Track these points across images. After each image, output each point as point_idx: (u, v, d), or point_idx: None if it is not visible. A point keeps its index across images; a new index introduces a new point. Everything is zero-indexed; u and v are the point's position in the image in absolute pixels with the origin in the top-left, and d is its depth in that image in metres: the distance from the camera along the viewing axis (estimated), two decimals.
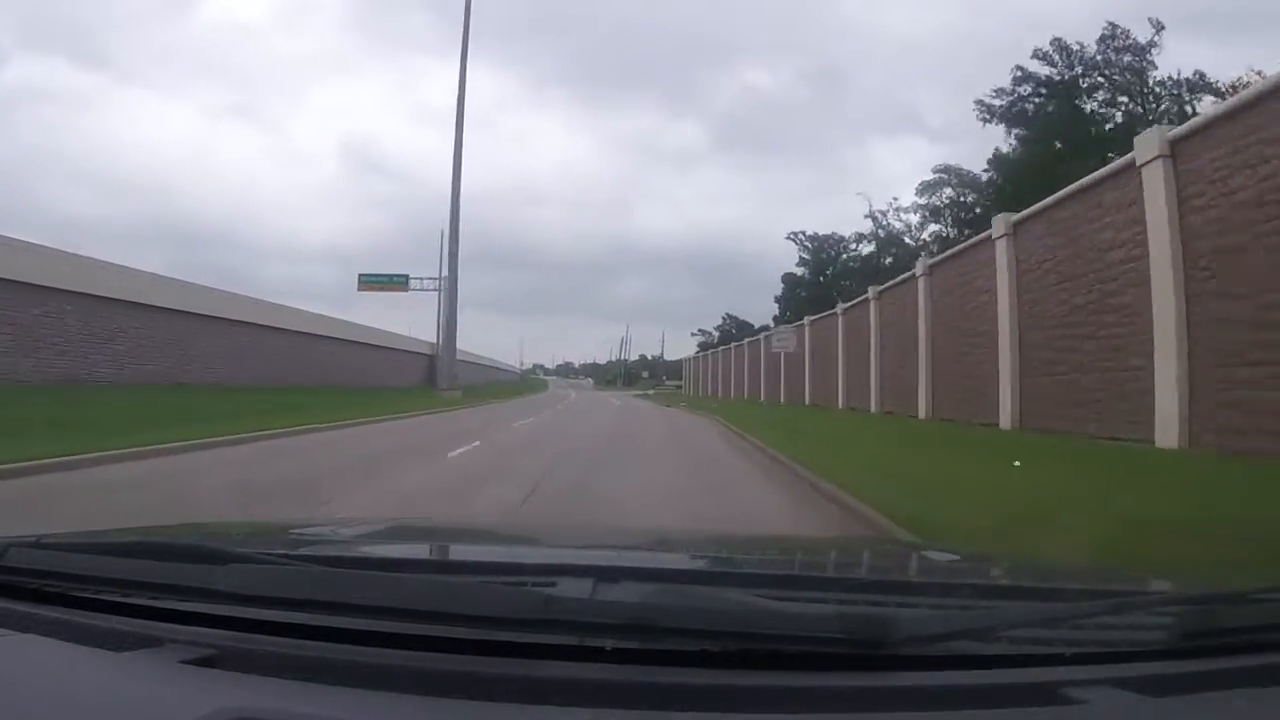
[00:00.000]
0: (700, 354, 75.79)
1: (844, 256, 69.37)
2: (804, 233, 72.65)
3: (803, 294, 67.98)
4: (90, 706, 0.81)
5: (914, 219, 57.89)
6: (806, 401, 32.15)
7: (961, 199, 52.95)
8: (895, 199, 66.24)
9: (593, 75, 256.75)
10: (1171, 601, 1.04)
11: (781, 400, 36.29)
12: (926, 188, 55.77)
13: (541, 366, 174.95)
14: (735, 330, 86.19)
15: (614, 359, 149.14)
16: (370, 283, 50.24)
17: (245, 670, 0.85)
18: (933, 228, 55.25)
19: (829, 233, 71.30)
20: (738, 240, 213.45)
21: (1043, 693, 0.83)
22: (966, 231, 43.57)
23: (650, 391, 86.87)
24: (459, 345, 67.75)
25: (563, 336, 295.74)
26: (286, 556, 1.12)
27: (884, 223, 61.81)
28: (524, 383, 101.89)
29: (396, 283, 49.92)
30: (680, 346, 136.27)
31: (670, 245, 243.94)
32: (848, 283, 63.11)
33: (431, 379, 53.35)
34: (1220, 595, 1.11)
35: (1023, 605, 1.15)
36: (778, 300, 74.58)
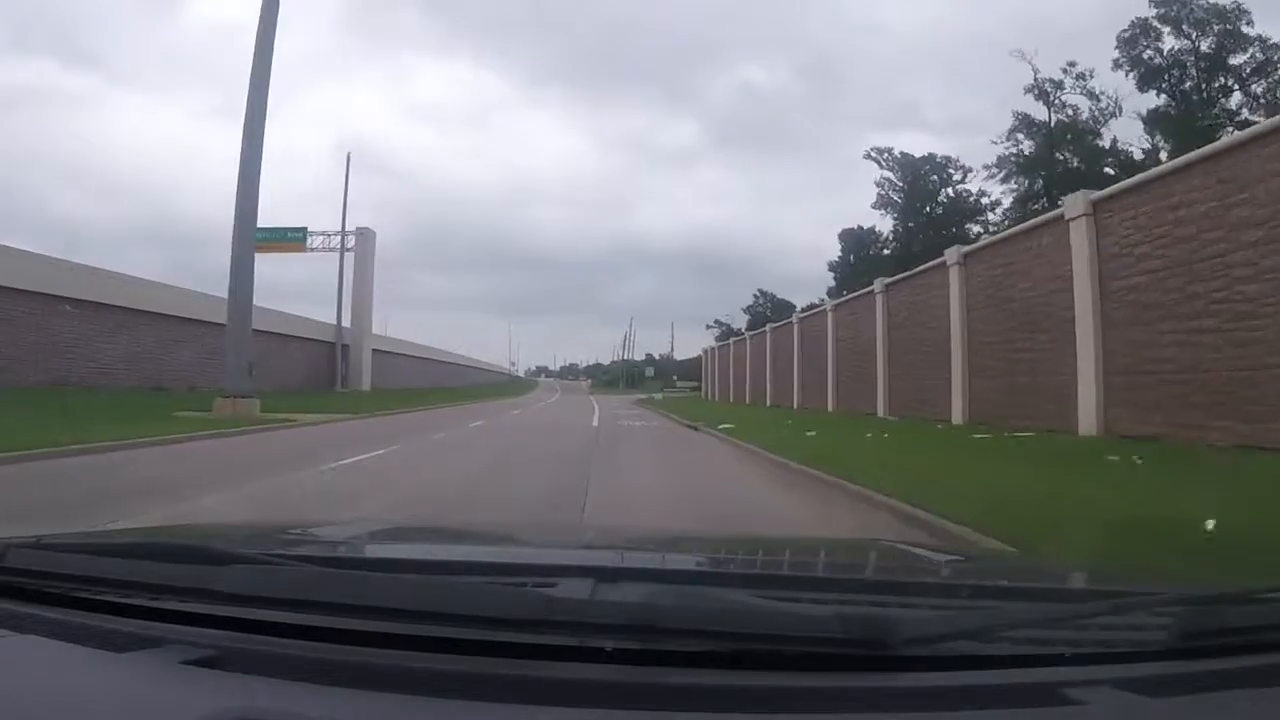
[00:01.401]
0: (727, 343, 53.39)
1: (944, 193, 49.61)
2: (890, 151, 50.52)
3: (877, 250, 50.27)
4: (90, 707, 0.81)
5: (1120, 82, 35.75)
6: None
7: (1200, 45, 31.61)
8: (1072, 64, 38.38)
9: (591, 73, 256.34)
10: (1171, 601, 1.04)
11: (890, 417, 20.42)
12: (1137, 34, 33.76)
13: (545, 368, 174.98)
14: (771, 311, 65.86)
15: (618, 359, 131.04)
16: (257, 242, 36.97)
17: (245, 670, 0.85)
18: (1145, 102, 34.57)
19: (925, 154, 50.56)
20: (743, 240, 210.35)
21: (1043, 693, 0.83)
22: (1205, 113, 28.14)
23: (658, 395, 62.73)
24: (396, 335, 54.05)
25: (567, 338, 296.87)
26: (286, 556, 1.12)
27: (1056, 100, 38.56)
28: (502, 386, 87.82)
29: (291, 240, 37.40)
30: (688, 346, 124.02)
31: (674, 245, 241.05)
32: (949, 231, 41.75)
33: (331, 375, 40.98)
34: (1220, 595, 1.11)
35: (1023, 605, 1.16)
36: (833, 268, 56.18)
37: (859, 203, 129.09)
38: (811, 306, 37.03)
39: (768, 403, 36.04)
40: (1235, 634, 0.94)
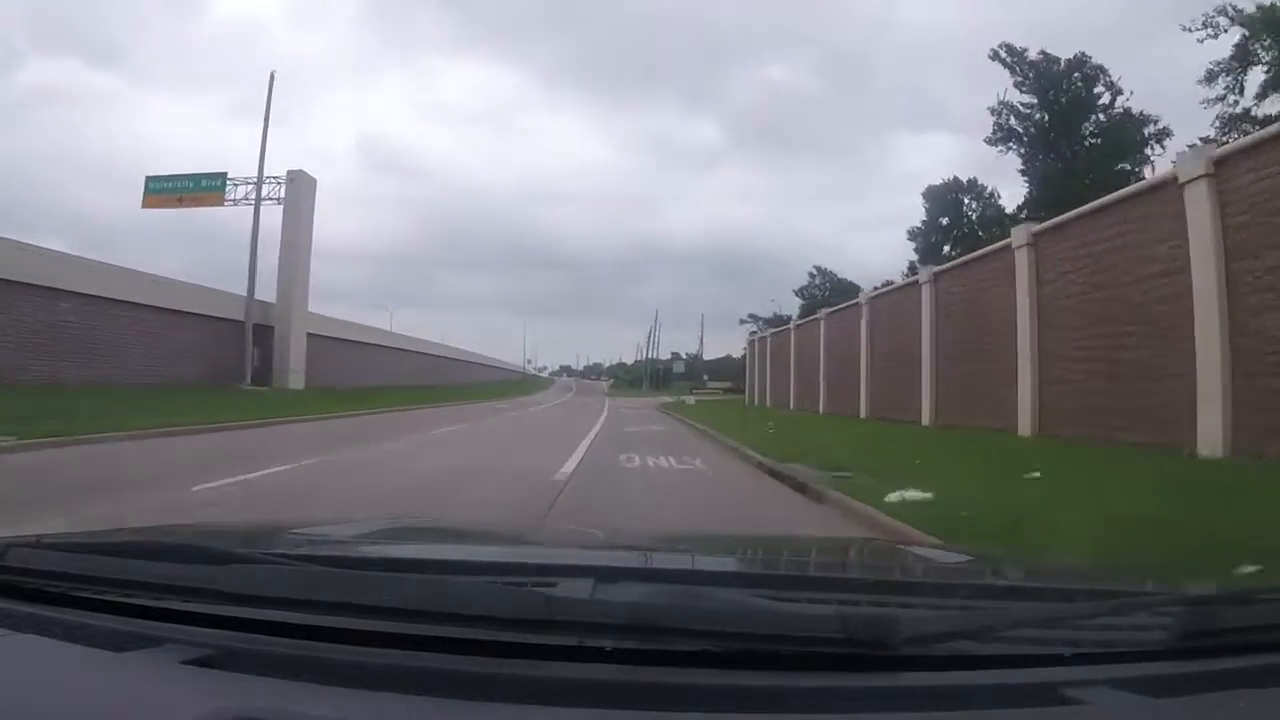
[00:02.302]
0: (784, 329, 37.16)
1: (1095, 119, 35.24)
2: (1023, 54, 35.72)
3: (982, 205, 40.13)
4: (90, 706, 0.81)
5: None
6: None
7: None
8: None
9: (615, 74, 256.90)
10: (1171, 601, 1.04)
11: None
12: None
13: (568, 367, 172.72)
14: (830, 292, 53.37)
15: (642, 358, 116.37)
16: (162, 193, 30.72)
17: (245, 670, 0.85)
18: None
19: (1073, 54, 34.93)
20: (767, 243, 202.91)
21: (1043, 693, 0.83)
22: None
23: (689, 399, 47.06)
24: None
25: (591, 339, 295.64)
26: (286, 556, 1.12)
27: None
28: (508, 385, 75.83)
29: (207, 190, 29.86)
30: (713, 348, 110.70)
31: (698, 247, 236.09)
32: (1123, 164, 32.80)
33: (239, 363, 29.85)
34: (1220, 595, 1.11)
35: (1023, 605, 1.16)
36: (914, 235, 44.30)
37: (889, 203, 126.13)
38: (887, 284, 25.45)
39: (861, 412, 22.78)
40: (1235, 634, 0.94)
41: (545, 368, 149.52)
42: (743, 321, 76.89)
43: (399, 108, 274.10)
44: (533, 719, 0.78)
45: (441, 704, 0.80)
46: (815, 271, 66.05)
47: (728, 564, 1.72)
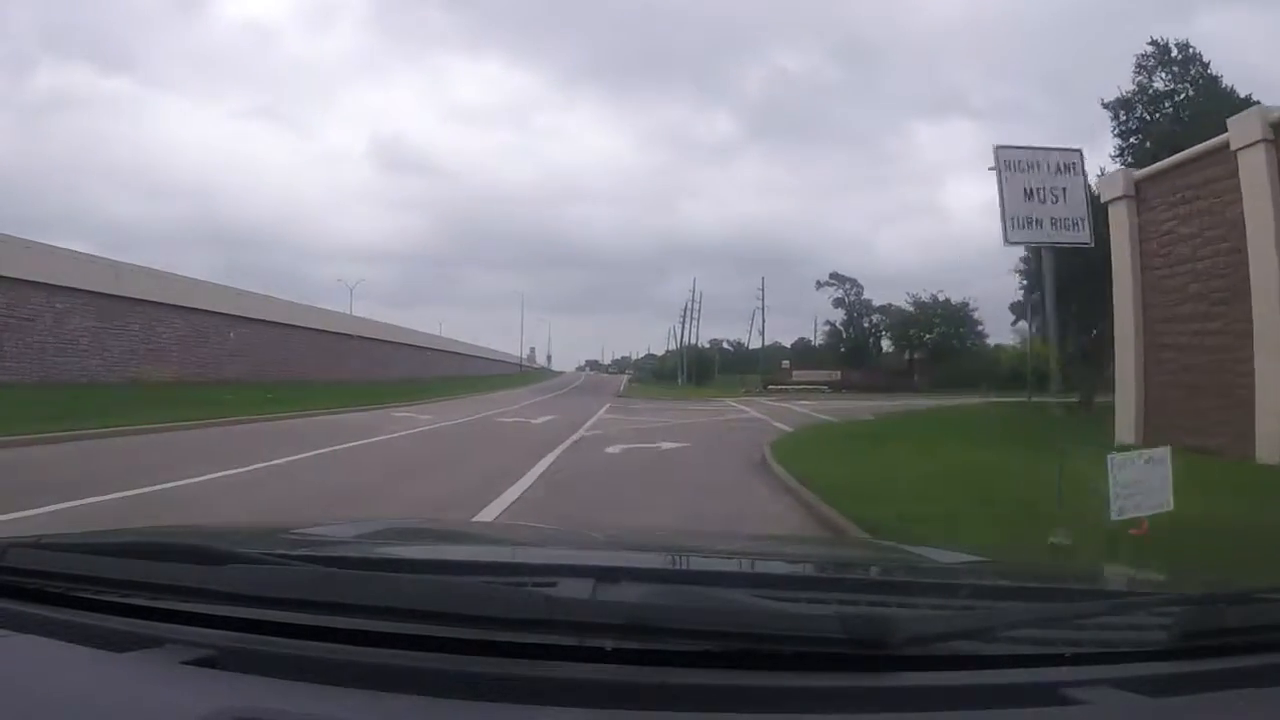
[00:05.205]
0: None
1: None
2: None
3: None
4: (90, 707, 0.81)
5: None
6: None
7: None
8: None
9: (631, 70, 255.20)
10: (1171, 602, 1.04)
11: None
12: None
13: (594, 361, 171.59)
14: (1185, 112, 22.39)
15: (674, 347, 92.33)
16: None
17: (245, 670, 0.85)
18: None
19: None
20: (797, 236, 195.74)
21: (1043, 693, 0.83)
22: None
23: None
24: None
25: (618, 334, 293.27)
26: (286, 556, 1.12)
27: None
28: (477, 381, 54.30)
29: None
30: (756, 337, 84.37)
31: (724, 241, 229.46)
32: None
33: None
34: (1220, 595, 1.11)
35: (1023, 605, 1.15)
36: None
37: (916, 194, 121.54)
38: None
39: None
40: (1235, 634, 0.94)
41: (550, 358, 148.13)
42: (821, 285, 62.48)
43: (418, 108, 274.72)
44: (533, 719, 0.78)
45: (442, 704, 0.80)
46: (1154, 48, 26.14)
47: (728, 564, 1.72)
